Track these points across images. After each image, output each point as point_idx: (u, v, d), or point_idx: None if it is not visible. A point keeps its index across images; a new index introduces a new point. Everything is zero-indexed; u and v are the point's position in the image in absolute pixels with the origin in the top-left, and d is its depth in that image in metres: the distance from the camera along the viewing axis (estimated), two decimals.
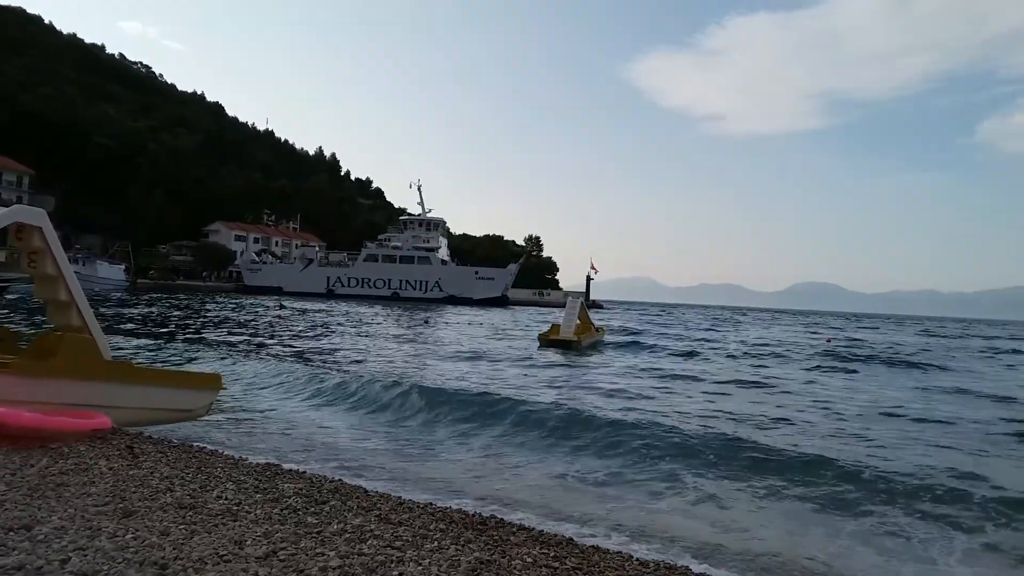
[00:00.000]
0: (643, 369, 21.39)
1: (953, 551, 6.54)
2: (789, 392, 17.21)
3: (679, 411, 13.36)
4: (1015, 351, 39.63)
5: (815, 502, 7.90)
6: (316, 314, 44.62)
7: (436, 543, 5.53)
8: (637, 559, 5.74)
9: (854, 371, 23.58)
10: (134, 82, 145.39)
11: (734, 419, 12.82)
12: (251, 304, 44.47)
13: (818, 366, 24.43)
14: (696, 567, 5.75)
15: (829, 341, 38.46)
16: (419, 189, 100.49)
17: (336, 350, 23.02)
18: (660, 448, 9.82)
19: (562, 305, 32.54)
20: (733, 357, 26.17)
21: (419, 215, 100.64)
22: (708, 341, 33.43)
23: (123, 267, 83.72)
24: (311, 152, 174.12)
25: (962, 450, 10.87)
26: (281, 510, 5.95)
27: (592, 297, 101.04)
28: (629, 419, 11.59)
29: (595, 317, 52.76)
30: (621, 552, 5.90)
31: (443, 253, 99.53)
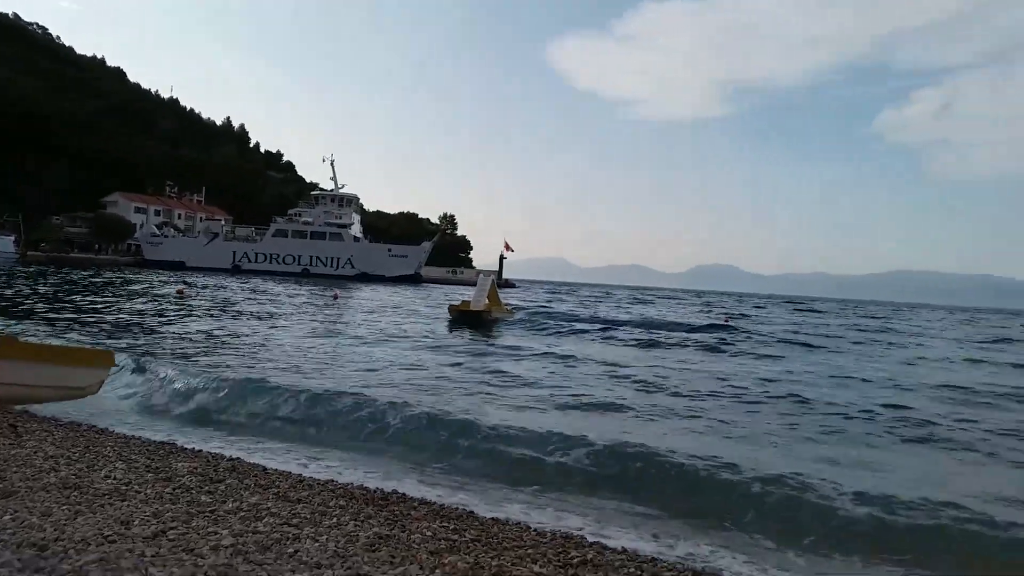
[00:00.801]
0: (542, 354, 19.17)
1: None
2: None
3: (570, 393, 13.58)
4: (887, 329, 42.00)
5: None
6: (219, 291, 43.18)
7: (335, 519, 5.51)
8: (535, 529, 5.88)
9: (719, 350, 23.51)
10: (28, 43, 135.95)
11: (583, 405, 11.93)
12: (146, 287, 42.32)
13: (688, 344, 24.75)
14: (591, 536, 5.93)
15: (727, 320, 39.99)
16: (332, 164, 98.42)
17: (223, 335, 19.62)
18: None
19: (475, 283, 33.39)
20: (627, 340, 26.36)
21: (331, 191, 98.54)
22: (613, 323, 33.86)
23: (12, 239, 78.81)
24: (218, 122, 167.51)
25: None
26: (173, 489, 5.80)
27: (505, 276, 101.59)
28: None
29: (507, 295, 53.05)
30: (520, 523, 6.03)
31: (356, 230, 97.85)
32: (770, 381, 15.55)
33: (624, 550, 5.58)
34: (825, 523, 6.43)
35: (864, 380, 16.71)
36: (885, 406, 12.69)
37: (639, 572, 5.01)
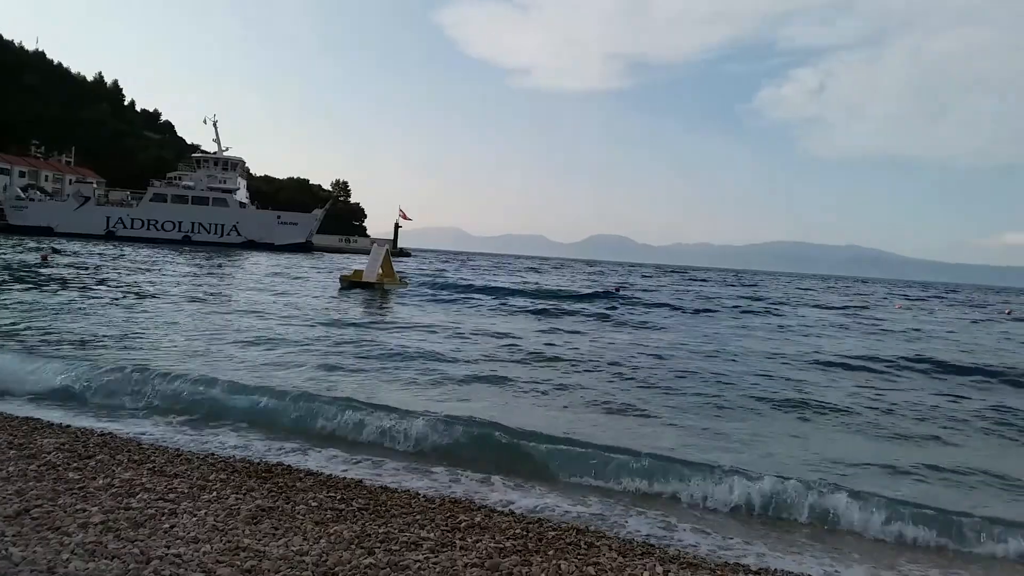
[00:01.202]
0: (427, 327, 18.26)
1: None
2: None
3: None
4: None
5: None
6: (90, 258, 40.55)
7: (215, 493, 5.35)
8: (424, 496, 5.90)
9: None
10: None
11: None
12: (5, 254, 39.04)
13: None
14: (479, 499, 6.01)
15: (617, 290, 41.11)
16: (215, 125, 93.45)
17: (88, 307, 17.46)
18: None
19: (369, 252, 32.76)
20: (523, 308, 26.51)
21: (215, 153, 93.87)
22: (505, 292, 33.72)
23: None
24: (89, 78, 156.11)
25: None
26: (39, 466, 5.47)
27: (400, 245, 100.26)
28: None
29: (402, 264, 52.52)
30: (408, 490, 6.04)
31: (242, 195, 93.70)
32: (643, 348, 16.12)
33: (512, 512, 5.69)
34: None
35: (735, 352, 17.57)
36: (757, 375, 13.36)
37: (525, 532, 5.13)
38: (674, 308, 29.32)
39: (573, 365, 13.37)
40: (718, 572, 4.70)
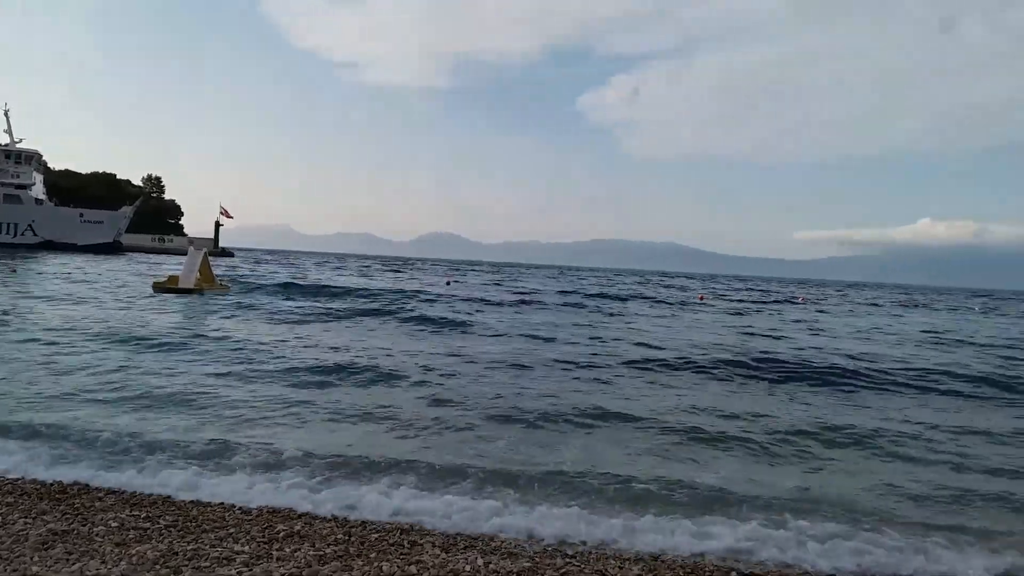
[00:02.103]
0: (237, 344, 14.83)
1: None
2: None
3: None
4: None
5: None
6: None
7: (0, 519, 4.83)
8: (240, 508, 5.64)
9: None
10: None
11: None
12: None
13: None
14: (303, 506, 5.82)
15: (448, 283, 41.52)
16: (6, 115, 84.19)
17: None
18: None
19: (186, 253, 29.80)
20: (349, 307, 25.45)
21: (6, 145, 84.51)
22: (329, 295, 31.45)
23: None
24: None
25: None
26: None
27: (222, 244, 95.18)
28: None
29: (223, 266, 49.75)
30: (223, 503, 5.75)
31: (38, 191, 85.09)
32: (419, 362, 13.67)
33: (335, 518, 5.57)
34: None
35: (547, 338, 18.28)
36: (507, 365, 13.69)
37: (347, 537, 5.04)
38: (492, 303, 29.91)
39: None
40: (537, 559, 4.85)
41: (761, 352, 17.00)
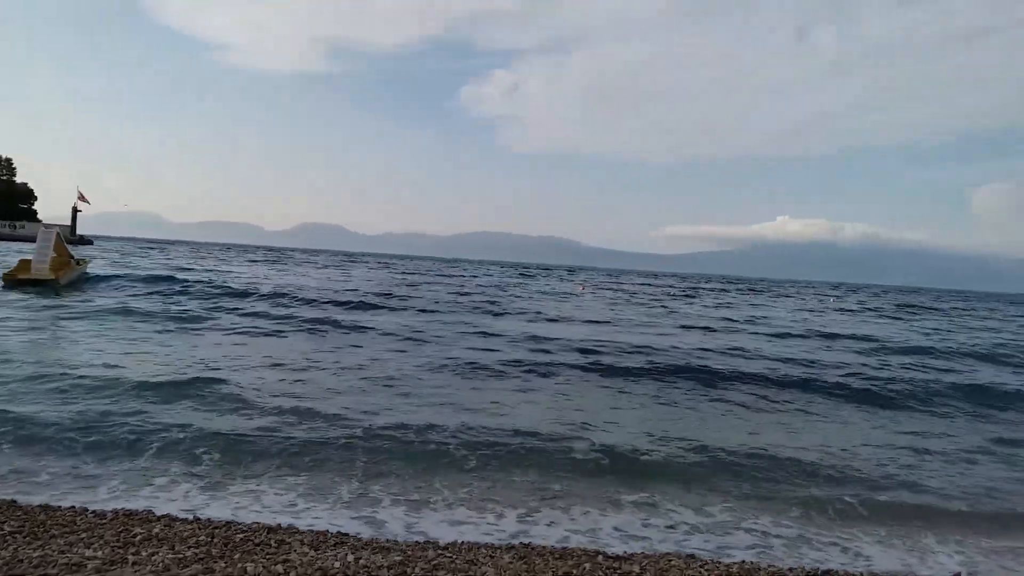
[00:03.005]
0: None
1: None
2: None
3: None
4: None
5: None
6: None
7: None
8: (94, 512, 5.34)
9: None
10: None
11: None
12: None
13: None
14: (158, 510, 5.57)
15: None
16: None
17: None
18: None
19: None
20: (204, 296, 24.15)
21: None
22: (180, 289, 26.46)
23: None
24: None
25: None
26: None
27: (80, 232, 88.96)
28: None
29: (82, 253, 46.39)
30: (74, 507, 5.41)
31: None
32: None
33: (198, 519, 5.36)
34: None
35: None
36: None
37: (210, 538, 4.87)
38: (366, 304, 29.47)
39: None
40: (408, 552, 4.87)
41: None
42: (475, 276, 65.83)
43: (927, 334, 26.99)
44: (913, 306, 53.94)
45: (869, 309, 45.91)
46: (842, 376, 14.33)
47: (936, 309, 52.27)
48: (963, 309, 56.28)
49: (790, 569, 5.14)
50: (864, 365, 16.37)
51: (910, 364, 17.18)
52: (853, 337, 23.20)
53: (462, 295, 33.96)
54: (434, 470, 6.94)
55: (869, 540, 5.94)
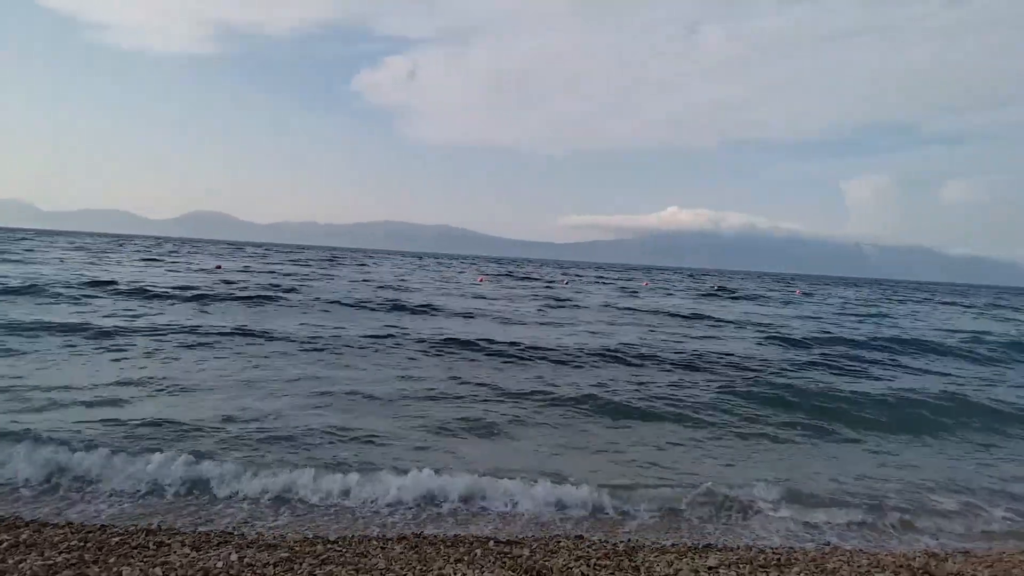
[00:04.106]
0: None
1: None
2: None
3: None
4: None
5: None
6: None
7: None
8: None
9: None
10: None
11: None
12: None
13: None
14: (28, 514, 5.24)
15: (218, 268, 39.16)
16: None
17: None
18: None
19: None
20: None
21: None
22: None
23: None
24: None
25: None
26: None
27: None
28: None
29: None
30: None
31: None
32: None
33: (70, 523, 5.08)
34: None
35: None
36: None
37: (83, 543, 4.63)
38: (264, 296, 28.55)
39: None
40: (296, 548, 4.78)
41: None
42: (371, 266, 64.90)
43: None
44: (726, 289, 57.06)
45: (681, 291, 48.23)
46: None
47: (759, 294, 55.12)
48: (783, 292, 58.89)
49: (673, 545, 5.37)
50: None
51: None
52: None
53: (364, 283, 33.42)
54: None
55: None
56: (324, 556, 4.66)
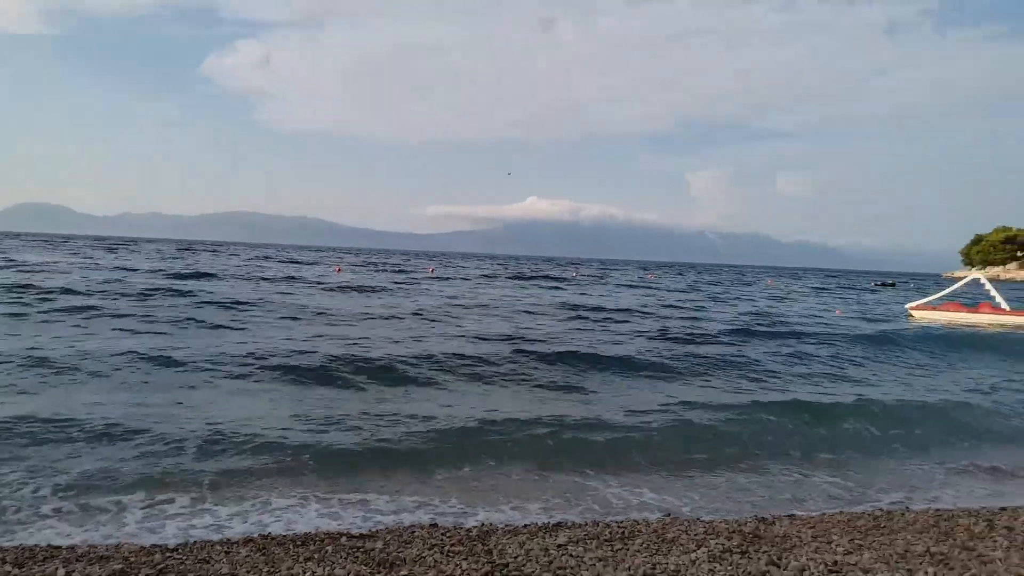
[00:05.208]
0: None
1: None
2: None
3: None
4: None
5: None
6: None
7: None
8: None
9: None
10: None
11: None
12: None
13: None
14: None
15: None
16: None
17: None
18: None
19: None
20: None
21: None
22: None
23: None
24: None
25: None
26: None
27: None
28: None
29: None
30: None
31: None
32: None
33: None
34: None
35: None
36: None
37: None
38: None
39: None
40: (132, 559, 4.53)
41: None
42: (217, 258, 61.91)
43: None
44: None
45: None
46: None
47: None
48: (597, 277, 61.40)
49: (524, 526, 5.52)
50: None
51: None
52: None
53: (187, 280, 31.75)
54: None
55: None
56: (162, 565, 4.44)
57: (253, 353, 12.49)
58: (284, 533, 5.17)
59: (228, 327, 16.27)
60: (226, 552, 4.71)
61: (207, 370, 11.09)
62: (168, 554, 4.64)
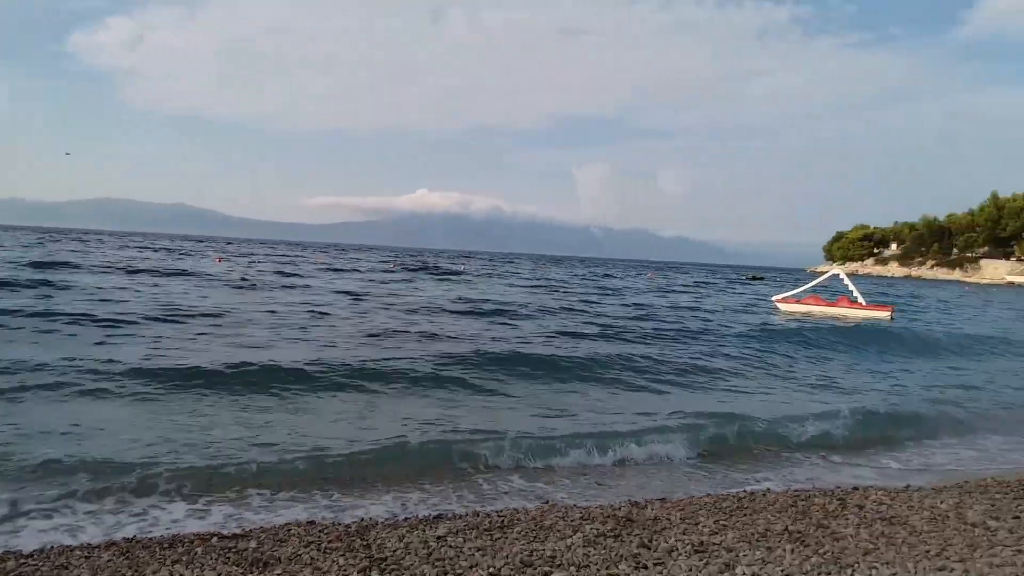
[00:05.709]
0: None
1: None
2: None
3: None
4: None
5: None
6: None
7: None
8: None
9: None
10: None
11: None
12: None
13: None
14: None
15: None
16: None
17: None
18: None
19: None
20: None
21: None
22: None
23: None
24: None
25: None
26: None
27: None
28: None
29: None
30: None
31: None
32: None
33: None
34: None
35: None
36: None
37: None
38: None
39: None
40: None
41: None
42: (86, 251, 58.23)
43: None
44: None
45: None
46: None
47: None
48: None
49: (405, 519, 5.53)
50: None
51: None
52: None
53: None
54: None
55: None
56: (16, 573, 4.17)
57: (112, 359, 11.02)
58: (150, 535, 4.96)
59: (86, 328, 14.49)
60: (86, 557, 4.47)
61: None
62: (23, 560, 4.38)
